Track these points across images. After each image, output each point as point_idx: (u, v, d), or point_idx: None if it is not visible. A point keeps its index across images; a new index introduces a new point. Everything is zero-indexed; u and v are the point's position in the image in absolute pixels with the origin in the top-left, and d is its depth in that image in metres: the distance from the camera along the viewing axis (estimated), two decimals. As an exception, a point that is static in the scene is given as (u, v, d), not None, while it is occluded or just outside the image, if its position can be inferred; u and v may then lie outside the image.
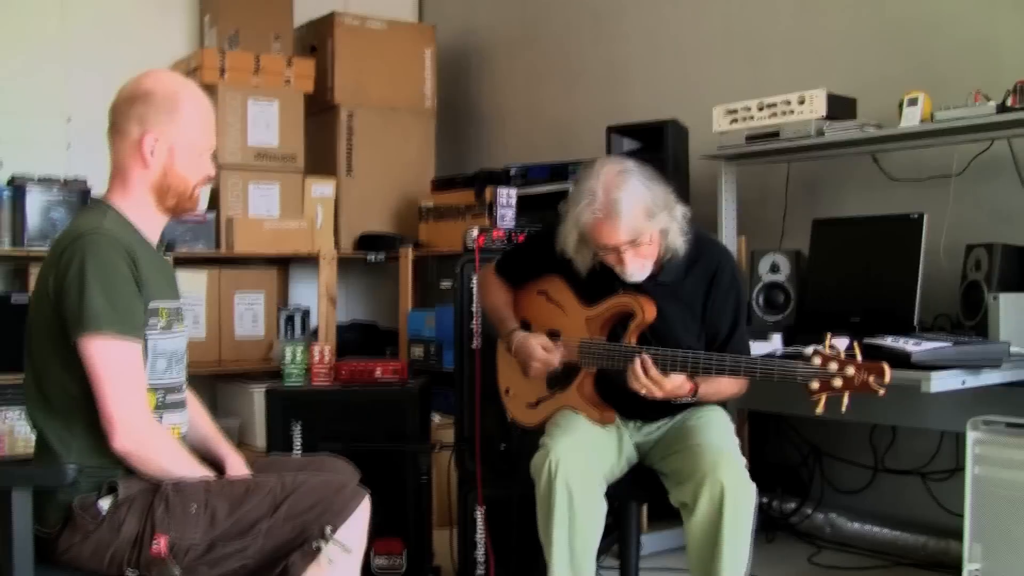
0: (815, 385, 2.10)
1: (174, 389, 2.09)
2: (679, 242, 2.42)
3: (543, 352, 2.52)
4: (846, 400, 2.08)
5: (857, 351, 2.09)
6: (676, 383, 2.32)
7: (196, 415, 2.23)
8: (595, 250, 2.43)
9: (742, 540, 2.24)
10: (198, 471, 2.00)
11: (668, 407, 2.51)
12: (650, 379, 2.30)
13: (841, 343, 2.11)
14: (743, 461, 2.29)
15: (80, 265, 1.90)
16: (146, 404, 1.97)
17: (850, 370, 2.07)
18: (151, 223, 2.09)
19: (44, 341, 1.97)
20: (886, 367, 2.06)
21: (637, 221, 2.33)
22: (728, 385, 2.44)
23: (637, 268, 2.42)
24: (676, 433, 2.48)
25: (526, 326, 2.64)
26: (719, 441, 2.34)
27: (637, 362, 2.30)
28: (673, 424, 2.53)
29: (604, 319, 2.50)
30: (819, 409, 2.11)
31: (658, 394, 2.31)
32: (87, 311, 1.89)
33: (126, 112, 2.03)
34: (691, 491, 2.26)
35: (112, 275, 1.92)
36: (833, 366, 2.09)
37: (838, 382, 2.08)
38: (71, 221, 2.16)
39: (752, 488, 2.26)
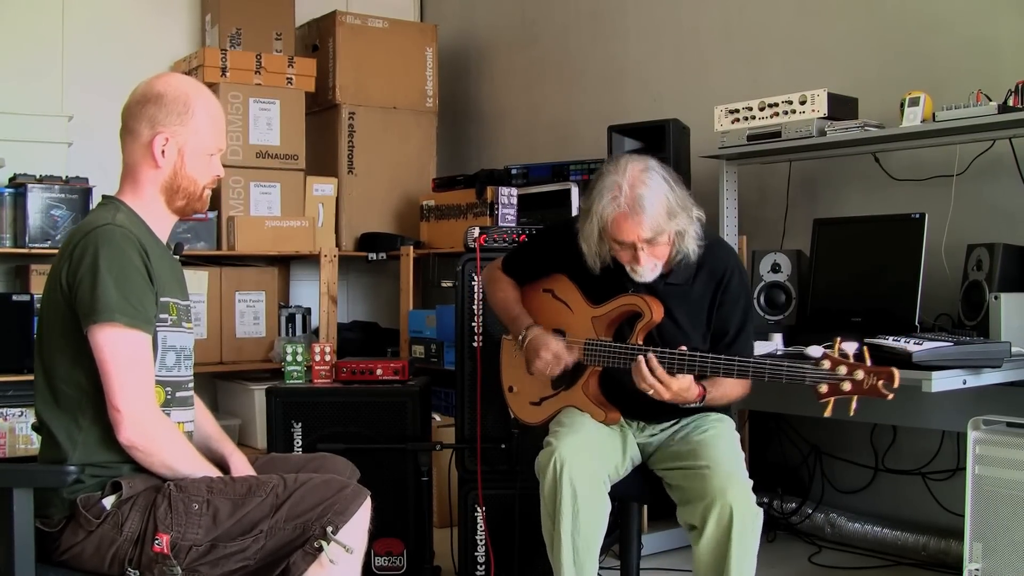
0: (824, 389, 2.11)
1: (182, 386, 2.10)
2: (692, 246, 2.41)
3: (552, 355, 2.49)
4: (854, 404, 2.09)
5: (866, 356, 2.10)
6: (683, 384, 2.31)
7: (200, 414, 2.24)
8: (610, 245, 2.41)
9: (748, 563, 2.24)
10: (203, 468, 2.00)
11: (672, 410, 2.50)
12: (656, 379, 2.29)
13: (850, 347, 2.11)
14: (750, 483, 2.29)
15: (94, 256, 1.92)
16: (154, 397, 1.98)
17: (859, 374, 2.08)
18: (161, 223, 2.12)
19: (55, 334, 1.98)
20: (895, 372, 2.07)
21: (659, 219, 2.34)
22: (733, 387, 2.43)
23: (649, 268, 2.41)
24: (682, 444, 2.45)
25: None
26: (727, 462, 2.32)
27: (642, 360, 2.29)
28: (678, 430, 2.52)
29: (611, 319, 2.50)
30: (827, 412, 2.12)
31: (665, 395, 2.30)
32: (99, 301, 1.89)
33: (137, 113, 2.05)
34: (699, 514, 2.26)
35: (125, 267, 1.93)
36: (842, 370, 2.10)
37: (847, 386, 2.09)
38: (85, 217, 2.16)
39: (759, 512, 2.26)
